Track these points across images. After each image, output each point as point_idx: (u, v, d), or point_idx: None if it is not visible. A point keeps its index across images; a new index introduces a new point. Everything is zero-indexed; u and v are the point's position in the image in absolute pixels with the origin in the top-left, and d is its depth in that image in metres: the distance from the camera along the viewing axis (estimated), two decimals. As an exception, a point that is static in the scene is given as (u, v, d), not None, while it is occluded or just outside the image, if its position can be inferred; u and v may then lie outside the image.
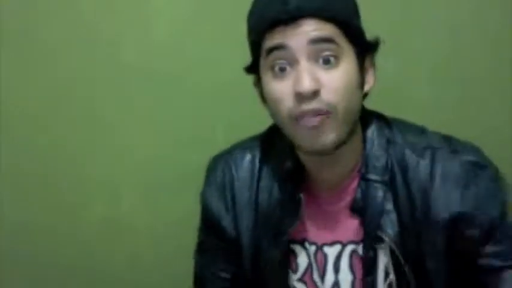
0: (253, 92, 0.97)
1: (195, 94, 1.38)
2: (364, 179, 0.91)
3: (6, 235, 1.47)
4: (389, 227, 0.89)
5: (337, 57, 0.84)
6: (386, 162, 0.91)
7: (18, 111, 1.42)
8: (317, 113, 0.83)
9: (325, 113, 0.83)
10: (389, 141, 0.92)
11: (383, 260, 0.91)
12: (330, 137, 0.85)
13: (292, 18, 0.82)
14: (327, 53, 0.83)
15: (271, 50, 0.84)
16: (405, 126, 0.95)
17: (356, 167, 0.93)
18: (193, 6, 1.36)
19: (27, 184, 1.45)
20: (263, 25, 0.85)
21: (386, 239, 0.89)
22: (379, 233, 0.90)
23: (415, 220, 0.89)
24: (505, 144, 1.35)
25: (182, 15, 1.36)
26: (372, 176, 0.91)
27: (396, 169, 0.90)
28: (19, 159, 1.44)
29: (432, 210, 0.88)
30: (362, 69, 0.88)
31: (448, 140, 0.93)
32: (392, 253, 0.90)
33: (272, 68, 0.85)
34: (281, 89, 0.85)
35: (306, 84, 0.82)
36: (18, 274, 1.48)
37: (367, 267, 0.92)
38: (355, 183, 0.92)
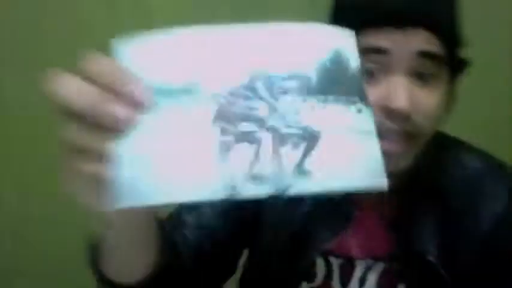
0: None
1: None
2: (405, 191, 0.82)
3: (7, 227, 1.47)
4: (430, 243, 0.82)
5: (436, 77, 0.75)
6: (430, 177, 0.83)
7: (19, 106, 1.42)
8: (403, 135, 0.74)
9: (409, 136, 0.74)
10: (436, 154, 0.83)
11: (420, 279, 0.83)
12: (401, 163, 0.76)
13: (406, 23, 0.72)
14: (429, 71, 0.74)
15: (368, 50, 0.73)
16: (449, 139, 0.88)
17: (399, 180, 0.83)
18: (193, 5, 1.35)
19: (28, 175, 1.45)
20: (370, 21, 0.73)
21: (430, 257, 0.81)
22: (420, 249, 0.82)
23: (455, 235, 0.82)
24: (506, 142, 1.35)
25: (182, 14, 1.36)
26: (414, 190, 0.83)
27: (440, 183, 0.84)
28: (20, 151, 1.44)
29: (474, 225, 0.82)
30: (451, 91, 0.79)
31: (494, 160, 0.87)
32: (430, 270, 0.82)
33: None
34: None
35: (404, 103, 0.71)
36: (20, 268, 1.48)
37: (405, 284, 0.83)
38: (394, 197, 0.82)
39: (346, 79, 0.49)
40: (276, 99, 0.46)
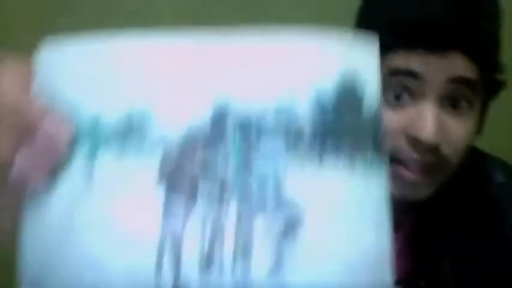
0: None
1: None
2: (425, 207, 0.75)
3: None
4: (448, 263, 0.75)
5: (469, 103, 0.68)
6: (453, 193, 0.76)
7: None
8: (427, 166, 0.68)
9: (434, 167, 0.69)
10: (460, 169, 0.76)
11: None
12: (422, 192, 0.70)
13: (443, 47, 0.65)
14: (462, 97, 0.67)
15: (397, 72, 0.66)
16: (474, 152, 0.79)
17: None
18: (195, 5, 1.33)
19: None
20: (403, 42, 0.65)
21: (446, 275, 0.76)
22: (435, 267, 0.76)
23: (475, 251, 0.77)
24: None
25: (184, 14, 1.33)
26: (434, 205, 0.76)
27: (462, 199, 0.78)
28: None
29: (496, 239, 0.77)
30: (483, 114, 0.73)
31: None
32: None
33: (384, 89, 0.68)
34: (392, 120, 0.67)
35: (432, 135, 0.65)
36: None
37: None
38: (410, 213, 0.76)
39: (356, 116, 0.32)
40: (250, 149, 0.30)
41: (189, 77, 0.31)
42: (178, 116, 0.30)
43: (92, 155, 0.30)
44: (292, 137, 0.30)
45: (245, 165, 0.30)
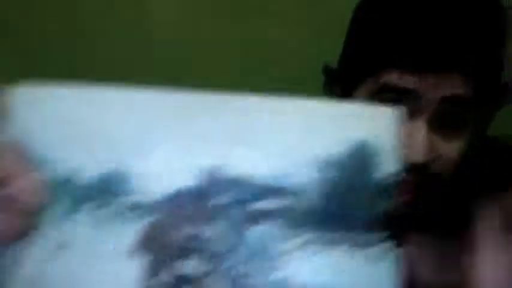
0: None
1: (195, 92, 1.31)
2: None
3: None
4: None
5: (463, 122, 0.67)
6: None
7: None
8: (418, 185, 0.66)
9: (425, 186, 0.67)
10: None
11: None
12: (417, 208, 0.70)
13: (442, 67, 0.65)
14: (455, 115, 0.67)
15: (390, 89, 0.65)
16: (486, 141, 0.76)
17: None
18: (193, 3, 1.28)
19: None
20: (400, 63, 0.65)
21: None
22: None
23: None
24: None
25: (182, 12, 1.28)
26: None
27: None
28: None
29: None
30: (482, 129, 0.73)
31: None
32: None
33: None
34: None
35: (421, 155, 0.65)
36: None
37: None
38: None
39: (368, 192, 0.28)
40: (244, 224, 0.26)
41: (178, 136, 0.28)
42: (163, 179, 0.28)
43: (67, 216, 0.28)
44: (292, 217, 0.27)
45: (238, 241, 0.26)
